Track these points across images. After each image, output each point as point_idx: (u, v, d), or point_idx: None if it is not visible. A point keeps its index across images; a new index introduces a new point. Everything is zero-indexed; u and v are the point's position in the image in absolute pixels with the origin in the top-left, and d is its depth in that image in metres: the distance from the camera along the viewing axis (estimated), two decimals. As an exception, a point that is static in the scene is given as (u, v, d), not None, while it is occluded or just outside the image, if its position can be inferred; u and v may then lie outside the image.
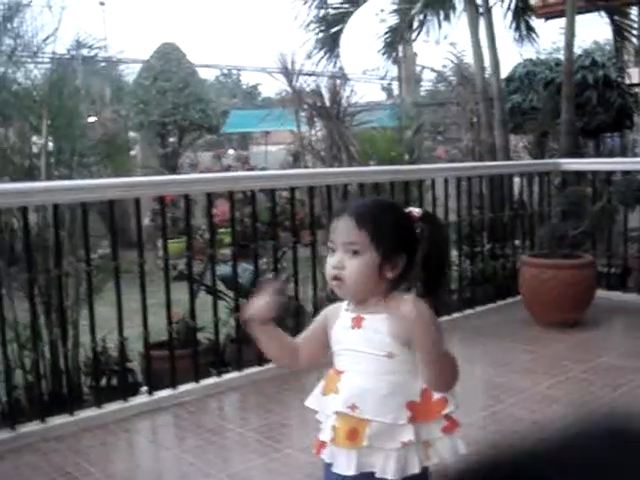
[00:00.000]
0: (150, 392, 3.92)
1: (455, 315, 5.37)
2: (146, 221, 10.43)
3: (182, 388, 3.99)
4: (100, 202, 4.10)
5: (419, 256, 1.70)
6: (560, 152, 7.40)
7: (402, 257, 1.69)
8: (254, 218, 4.37)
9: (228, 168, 13.04)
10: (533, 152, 9.71)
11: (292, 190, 4.56)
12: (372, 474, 1.66)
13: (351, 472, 1.66)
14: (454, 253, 5.80)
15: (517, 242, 6.20)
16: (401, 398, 1.66)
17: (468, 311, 5.55)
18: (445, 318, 5.00)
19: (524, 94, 9.81)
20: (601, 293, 5.76)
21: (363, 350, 1.69)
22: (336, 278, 1.69)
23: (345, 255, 1.67)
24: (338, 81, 5.61)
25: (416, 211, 1.74)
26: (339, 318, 1.77)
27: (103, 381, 4.14)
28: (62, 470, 3.13)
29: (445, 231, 1.89)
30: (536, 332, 5.06)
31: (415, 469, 1.66)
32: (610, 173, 6.06)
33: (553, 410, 3.64)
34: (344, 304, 1.79)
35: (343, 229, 1.68)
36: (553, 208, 6.01)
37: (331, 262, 1.70)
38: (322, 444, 1.75)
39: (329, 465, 1.74)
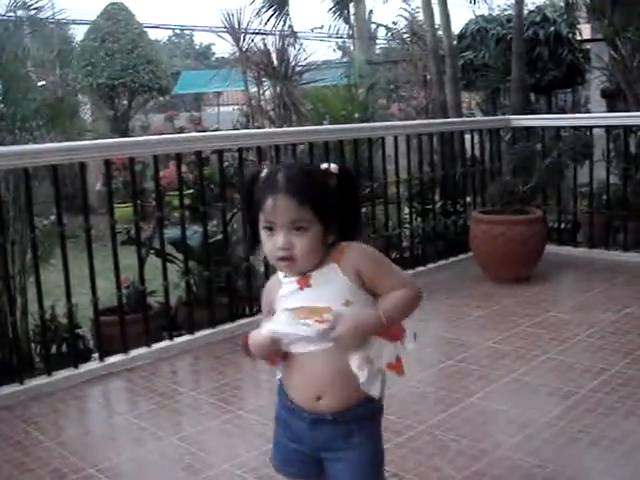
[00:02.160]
0: (101, 358, 3.88)
1: (406, 272, 5.38)
2: (98, 186, 10.28)
3: (134, 353, 3.97)
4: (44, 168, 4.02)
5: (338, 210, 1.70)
6: (511, 109, 7.43)
7: (336, 219, 1.69)
8: (201, 180, 4.33)
9: (181, 130, 12.88)
10: (485, 109, 9.76)
11: (240, 151, 4.52)
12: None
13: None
14: (405, 210, 5.83)
15: (469, 199, 6.24)
16: (359, 359, 1.68)
17: (419, 268, 5.58)
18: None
19: (476, 51, 9.81)
20: (551, 248, 5.83)
21: (317, 305, 1.67)
22: (286, 258, 1.65)
23: (290, 234, 1.64)
24: (286, 40, 5.51)
25: (333, 167, 1.72)
26: (281, 287, 1.74)
27: (53, 349, 4.11)
28: (11, 439, 3.10)
29: (358, 183, 1.87)
30: (487, 288, 5.12)
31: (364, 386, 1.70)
32: (560, 129, 6.10)
33: (502, 364, 3.69)
34: (279, 275, 1.76)
35: (283, 209, 1.62)
36: (504, 164, 6.05)
37: (276, 243, 1.65)
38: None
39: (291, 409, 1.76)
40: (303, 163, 1.74)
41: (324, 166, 1.72)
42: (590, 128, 6.00)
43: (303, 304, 1.69)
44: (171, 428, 3.16)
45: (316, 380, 1.71)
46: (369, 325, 1.67)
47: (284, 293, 1.73)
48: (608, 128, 5.89)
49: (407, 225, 5.72)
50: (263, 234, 1.67)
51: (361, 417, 1.73)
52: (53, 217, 4.88)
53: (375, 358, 1.71)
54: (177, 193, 4.29)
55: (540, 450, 2.79)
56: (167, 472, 2.77)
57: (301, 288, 1.70)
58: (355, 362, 1.68)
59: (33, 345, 4.13)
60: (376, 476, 1.79)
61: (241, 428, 3.14)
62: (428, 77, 10.63)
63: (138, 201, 4.62)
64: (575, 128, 6.06)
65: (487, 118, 6.32)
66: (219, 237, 4.46)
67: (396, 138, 5.38)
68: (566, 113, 10.09)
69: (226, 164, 7.43)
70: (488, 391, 3.38)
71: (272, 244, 1.65)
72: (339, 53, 25.64)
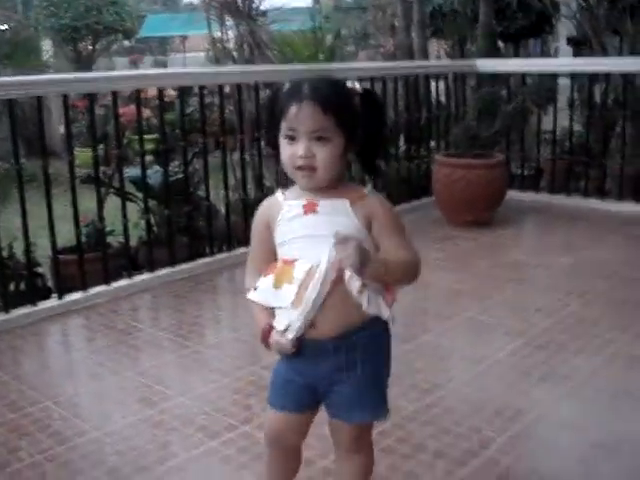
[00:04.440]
0: (60, 296, 3.87)
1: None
2: (61, 129, 10.13)
3: (93, 291, 3.95)
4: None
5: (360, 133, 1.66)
6: (478, 55, 7.40)
7: (359, 136, 1.66)
8: (161, 117, 4.27)
9: (146, 74, 12.65)
10: (452, 56, 9.71)
11: (201, 89, 4.47)
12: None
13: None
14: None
15: (433, 144, 6.25)
16: (358, 281, 1.62)
17: (382, 211, 5.60)
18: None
19: (445, -3, 9.72)
20: (513, 194, 5.88)
21: (319, 234, 1.63)
22: (305, 168, 1.61)
23: (311, 143, 1.60)
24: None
25: (358, 86, 1.68)
26: (282, 210, 1.69)
27: (11, 287, 4.08)
28: (-32, 374, 3.09)
29: (384, 106, 1.82)
30: (447, 231, 5.16)
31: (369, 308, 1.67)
32: (525, 76, 6.10)
33: (458, 303, 3.75)
34: (278, 197, 1.72)
35: (308, 116, 1.58)
36: (469, 110, 6.05)
37: (296, 152, 1.61)
38: (270, 330, 1.71)
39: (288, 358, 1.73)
40: (330, 76, 1.69)
41: (349, 84, 1.68)
42: (556, 76, 6.01)
43: (304, 232, 1.66)
44: (129, 363, 3.17)
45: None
46: (371, 259, 1.57)
47: (287, 216, 1.68)
48: (573, 75, 5.89)
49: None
50: (283, 143, 1.63)
51: (365, 342, 1.69)
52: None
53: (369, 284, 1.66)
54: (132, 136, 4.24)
55: (491, 385, 2.85)
56: (123, 404, 2.78)
57: (305, 213, 1.66)
58: (354, 288, 1.63)
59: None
60: (376, 403, 1.77)
61: (199, 363, 3.17)
62: (396, 24, 10.51)
63: (101, 145, 4.58)
64: (540, 75, 6.06)
65: (452, 62, 6.26)
66: (180, 176, 4.43)
67: (360, 80, 5.33)
68: (533, 62, 10.06)
69: (191, 109, 7.37)
70: (444, 329, 3.43)
71: (292, 152, 1.61)
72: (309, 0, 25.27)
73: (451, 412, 2.63)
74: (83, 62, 11.81)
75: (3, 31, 6.81)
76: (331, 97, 1.60)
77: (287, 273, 1.65)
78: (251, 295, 1.72)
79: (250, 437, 2.46)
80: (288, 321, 1.66)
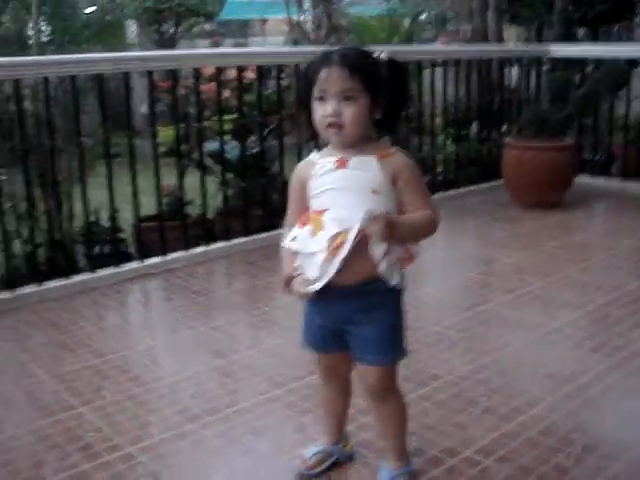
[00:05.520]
0: (141, 260, 4.13)
1: (438, 195, 5.55)
2: (144, 108, 10.47)
3: (172, 256, 4.21)
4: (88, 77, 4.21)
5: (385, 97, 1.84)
6: (554, 41, 7.39)
7: (383, 98, 1.84)
8: (240, 94, 4.48)
9: (226, 57, 12.90)
10: (529, 42, 9.67)
11: (278, 68, 4.67)
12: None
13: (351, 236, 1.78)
14: (440, 137, 5.94)
15: (505, 127, 6.32)
16: (382, 248, 1.80)
17: (451, 192, 5.73)
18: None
19: (524, -19, 9.67)
20: (584, 179, 5.92)
21: (349, 186, 1.82)
22: (334, 125, 1.80)
23: (340, 103, 1.78)
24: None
25: (383, 54, 1.86)
26: (315, 166, 1.88)
27: (97, 250, 4.37)
28: (57, 325, 3.37)
29: (406, 73, 2.01)
30: (515, 212, 5.25)
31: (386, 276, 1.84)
32: (600, 61, 6.08)
33: (519, 279, 3.86)
34: (313, 157, 1.91)
35: (336, 78, 1.76)
36: (542, 95, 6.09)
37: (326, 110, 1.78)
38: (292, 279, 1.90)
39: (314, 303, 1.93)
40: (357, 45, 1.88)
41: (376, 53, 1.86)
42: (632, 62, 5.96)
43: (335, 184, 1.83)
44: (203, 320, 3.40)
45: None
46: (394, 224, 1.76)
47: (319, 172, 1.87)
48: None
49: (441, 150, 5.84)
50: (316, 105, 1.82)
51: (381, 292, 1.87)
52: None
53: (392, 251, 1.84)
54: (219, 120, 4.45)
55: (544, 352, 2.97)
56: (197, 355, 3.01)
57: (337, 168, 1.84)
58: (377, 253, 1.81)
59: (77, 247, 4.39)
60: (393, 346, 1.94)
61: (267, 322, 3.38)
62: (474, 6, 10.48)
63: (182, 124, 4.81)
64: (614, 60, 6.02)
65: (526, 47, 6.29)
66: (256, 151, 4.64)
67: (434, 65, 5.45)
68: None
69: (269, 91, 7.57)
70: (503, 300, 3.56)
71: (323, 112, 1.80)
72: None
73: (504, 374, 2.77)
74: (166, 44, 12.13)
75: (91, 12, 7.13)
76: (357, 62, 1.79)
77: (318, 222, 1.83)
78: (288, 243, 1.90)
79: (313, 386, 2.63)
80: (318, 273, 1.83)
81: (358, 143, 1.84)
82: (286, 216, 2.00)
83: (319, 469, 2.14)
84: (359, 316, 1.90)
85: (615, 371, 2.79)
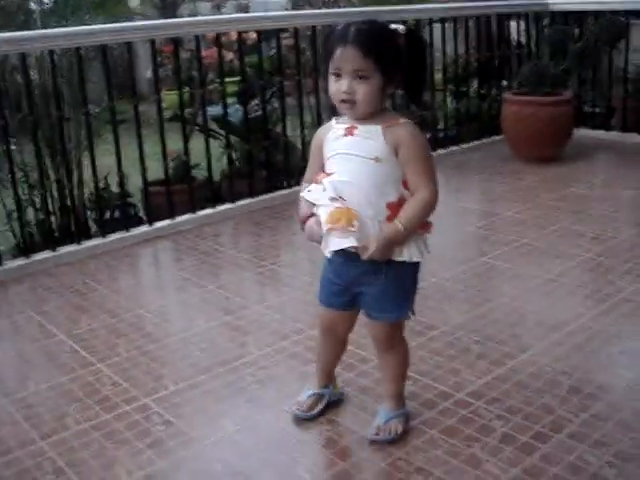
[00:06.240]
0: (150, 223, 4.27)
1: (440, 151, 5.65)
2: (148, 73, 10.54)
3: (179, 219, 4.35)
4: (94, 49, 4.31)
5: (404, 69, 1.95)
6: None
7: (398, 74, 1.95)
8: (241, 58, 4.57)
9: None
10: None
11: (278, 32, 4.75)
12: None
13: (345, 245, 1.92)
14: (441, 94, 6.02)
15: (505, 83, 6.37)
16: (382, 199, 1.93)
17: (452, 148, 5.83)
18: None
19: None
20: (584, 132, 6.02)
21: (353, 152, 1.93)
22: (347, 101, 1.91)
23: (354, 80, 1.88)
24: None
25: (401, 28, 1.95)
26: (331, 131, 2.02)
27: (107, 215, 4.52)
28: (72, 288, 3.52)
29: (425, 44, 2.10)
30: (515, 166, 5.35)
31: (394, 256, 1.97)
32: (598, 14, 6.10)
33: (516, 231, 3.98)
34: (332, 122, 2.04)
35: (350, 57, 1.86)
36: (542, 49, 6.14)
37: (340, 87, 1.89)
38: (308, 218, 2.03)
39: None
40: (375, 21, 1.96)
41: (393, 26, 1.95)
42: (629, 13, 5.98)
43: (342, 150, 1.96)
44: (211, 278, 3.55)
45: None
46: (392, 239, 1.92)
47: (332, 137, 2.00)
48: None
49: (441, 106, 5.92)
50: (331, 79, 1.93)
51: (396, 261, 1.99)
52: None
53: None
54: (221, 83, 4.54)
55: (536, 300, 3.11)
56: (206, 312, 3.16)
57: (346, 135, 1.97)
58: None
59: (89, 213, 4.53)
60: (400, 305, 2.07)
61: (273, 279, 3.53)
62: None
63: (186, 88, 4.91)
64: (613, 12, 6.04)
65: (525, 1, 6.31)
66: (259, 113, 4.74)
67: (431, 22, 5.50)
68: None
69: (273, 51, 7.63)
70: (499, 253, 3.68)
71: (337, 88, 1.92)
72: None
73: (496, 322, 2.91)
74: (168, 8, 12.16)
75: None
76: (372, 42, 1.88)
77: (325, 183, 1.97)
78: (305, 194, 2.04)
79: (315, 338, 2.78)
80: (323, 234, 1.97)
81: (370, 114, 1.95)
82: (306, 172, 2.13)
83: (314, 411, 2.31)
84: (370, 277, 2.02)
85: (605, 317, 2.92)
